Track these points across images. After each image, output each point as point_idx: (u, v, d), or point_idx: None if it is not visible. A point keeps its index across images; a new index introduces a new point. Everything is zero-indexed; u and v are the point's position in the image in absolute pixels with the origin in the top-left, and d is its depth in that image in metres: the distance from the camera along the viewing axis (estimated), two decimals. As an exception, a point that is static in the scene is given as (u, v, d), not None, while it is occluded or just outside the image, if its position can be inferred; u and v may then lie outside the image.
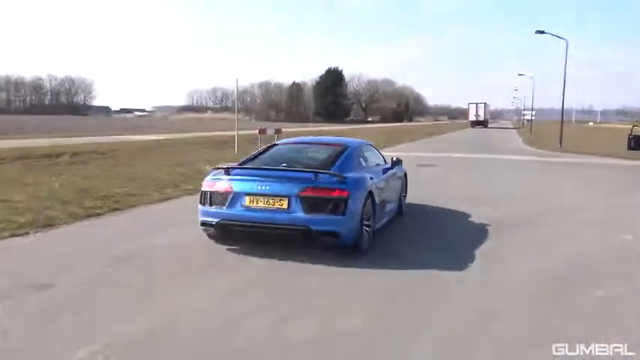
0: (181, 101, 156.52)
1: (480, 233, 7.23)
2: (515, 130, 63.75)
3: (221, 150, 21.40)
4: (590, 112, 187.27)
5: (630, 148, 23.92)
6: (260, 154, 7.10)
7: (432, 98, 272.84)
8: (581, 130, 66.00)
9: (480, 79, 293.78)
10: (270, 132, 21.66)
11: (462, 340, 3.85)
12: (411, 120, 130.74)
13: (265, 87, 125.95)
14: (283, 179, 5.80)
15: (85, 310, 4.19)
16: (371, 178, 6.47)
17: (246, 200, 5.76)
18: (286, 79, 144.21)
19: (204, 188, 6.17)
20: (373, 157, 7.66)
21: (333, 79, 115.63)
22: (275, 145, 7.63)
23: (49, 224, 7.14)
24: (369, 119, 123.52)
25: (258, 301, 4.50)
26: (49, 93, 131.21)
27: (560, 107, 32.29)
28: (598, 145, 29.58)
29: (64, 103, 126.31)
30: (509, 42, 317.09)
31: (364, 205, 5.95)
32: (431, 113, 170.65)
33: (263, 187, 5.71)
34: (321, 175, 5.76)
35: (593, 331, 3.92)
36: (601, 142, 34.49)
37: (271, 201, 5.67)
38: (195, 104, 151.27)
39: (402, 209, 8.66)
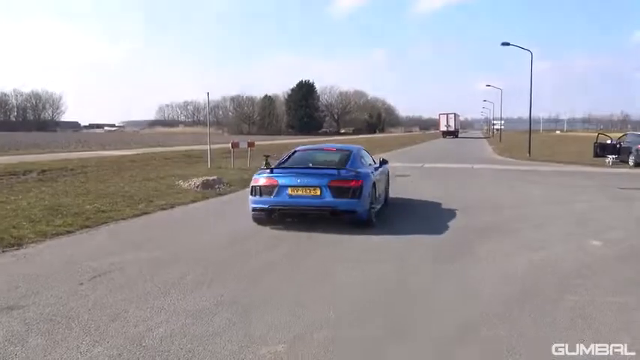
0: (152, 116, 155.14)
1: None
2: (485, 140, 64.95)
3: (193, 164, 21.19)
4: (556, 120, 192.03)
5: (596, 155, 24.54)
6: (288, 157, 9.43)
7: (404, 109, 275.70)
8: (549, 139, 67.53)
9: (450, 90, 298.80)
10: (242, 145, 21.54)
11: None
12: (383, 131, 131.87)
13: (237, 100, 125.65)
14: (315, 174, 8.13)
15: (57, 332, 4.08)
16: (371, 173, 8.76)
17: (289, 190, 7.97)
18: (258, 92, 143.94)
19: (253, 184, 8.30)
20: (367, 159, 9.89)
21: (304, 91, 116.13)
22: (296, 151, 9.84)
23: (17, 244, 6.96)
24: (342, 131, 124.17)
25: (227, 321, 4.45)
26: (15, 109, 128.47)
27: (527, 116, 33.08)
28: (565, 154, 30.35)
29: (31, 119, 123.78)
30: (477, 53, 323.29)
31: (370, 191, 8.24)
32: (403, 124, 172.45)
33: (301, 181, 7.97)
34: (341, 171, 8.11)
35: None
36: (568, 150, 35.39)
37: (308, 190, 7.92)
38: (166, 118, 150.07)
39: (387, 200, 10.69)
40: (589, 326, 4.22)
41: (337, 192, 7.82)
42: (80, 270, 5.78)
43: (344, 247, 7.15)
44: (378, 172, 9.52)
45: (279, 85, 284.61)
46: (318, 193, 7.85)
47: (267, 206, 8.08)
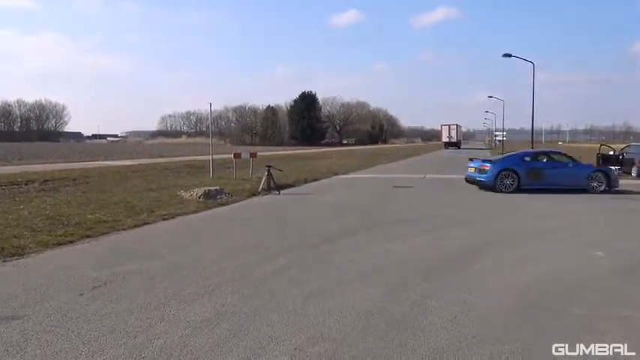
0: (154, 126, 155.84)
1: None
2: (488, 151, 64.76)
3: (195, 175, 21.18)
4: (558, 132, 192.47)
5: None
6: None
7: (406, 120, 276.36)
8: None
9: (453, 101, 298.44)
10: (245, 156, 21.54)
11: None
12: (385, 142, 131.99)
13: (240, 111, 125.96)
14: (475, 162, 16.79)
15: (55, 342, 4.04)
16: (506, 164, 16.13)
17: (470, 170, 16.85)
18: (261, 102, 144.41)
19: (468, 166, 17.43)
20: (546, 159, 16.85)
21: (307, 102, 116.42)
22: (507, 153, 20.13)
23: (17, 253, 6.93)
24: (345, 142, 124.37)
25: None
26: (18, 119, 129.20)
27: (530, 127, 33.08)
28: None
29: (34, 130, 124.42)
30: (479, 64, 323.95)
31: (498, 173, 15.67)
32: (405, 135, 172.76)
33: (470, 165, 16.94)
34: (484, 162, 16.50)
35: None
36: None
37: (471, 170, 16.75)
38: (169, 129, 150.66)
39: (589, 191, 15.79)
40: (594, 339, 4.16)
41: (479, 171, 16.17)
42: (81, 280, 5.75)
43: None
44: (547, 168, 16.03)
45: (281, 96, 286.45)
46: (474, 171, 16.43)
47: (466, 178, 16.96)
